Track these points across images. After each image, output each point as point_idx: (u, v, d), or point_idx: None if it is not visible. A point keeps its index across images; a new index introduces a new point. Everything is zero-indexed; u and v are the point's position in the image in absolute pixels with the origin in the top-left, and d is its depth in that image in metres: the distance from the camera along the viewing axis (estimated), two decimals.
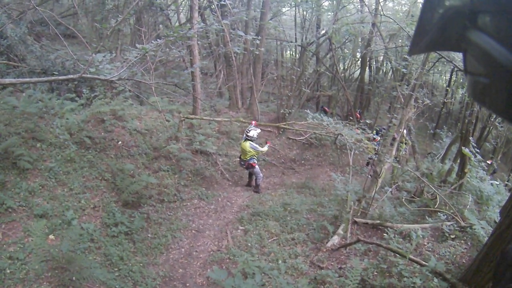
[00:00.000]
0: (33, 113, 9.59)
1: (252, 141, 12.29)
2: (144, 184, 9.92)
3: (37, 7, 10.39)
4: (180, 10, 23.80)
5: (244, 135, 12.52)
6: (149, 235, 9.06)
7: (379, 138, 13.57)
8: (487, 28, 0.81)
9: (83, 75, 7.62)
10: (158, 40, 8.48)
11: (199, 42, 13.52)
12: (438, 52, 9.97)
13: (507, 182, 12.54)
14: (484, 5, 0.84)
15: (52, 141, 9.37)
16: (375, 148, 13.20)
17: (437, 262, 6.80)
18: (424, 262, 6.88)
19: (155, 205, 10.10)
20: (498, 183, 11.35)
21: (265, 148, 12.75)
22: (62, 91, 13.29)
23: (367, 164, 15.43)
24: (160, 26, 22.94)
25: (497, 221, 7.42)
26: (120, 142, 10.98)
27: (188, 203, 11.04)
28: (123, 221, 8.77)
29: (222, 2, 13.53)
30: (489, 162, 12.09)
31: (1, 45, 13.83)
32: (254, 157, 12.40)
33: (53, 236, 7.30)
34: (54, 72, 13.49)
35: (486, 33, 0.81)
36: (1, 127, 8.67)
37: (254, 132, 12.34)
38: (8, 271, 6.15)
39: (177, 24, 20.19)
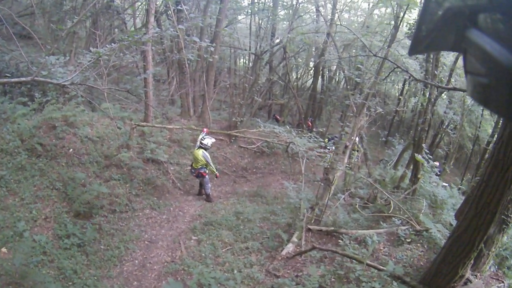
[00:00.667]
0: None
1: (205, 149, 12.19)
2: (95, 194, 9.75)
3: None
4: (137, 15, 23.54)
5: (198, 143, 12.39)
6: (102, 246, 8.85)
7: (332, 148, 13.79)
8: (487, 28, 0.83)
9: (35, 78, 7.36)
10: (112, 44, 8.30)
11: (153, 48, 13.36)
12: (392, 62, 10.29)
13: (460, 186, 12.99)
14: (484, 5, 0.87)
15: (3, 147, 9.09)
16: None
17: (395, 266, 6.91)
18: (381, 267, 6.96)
19: (107, 215, 9.88)
20: (446, 185, 11.81)
21: (214, 168, 12.61)
22: (15, 95, 12.88)
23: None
24: (116, 30, 22.54)
25: (453, 224, 7.67)
26: (71, 150, 10.68)
27: (140, 213, 10.87)
28: (75, 233, 8.55)
29: (179, 8, 13.43)
30: (436, 163, 12.51)
31: None
32: (205, 166, 12.28)
33: (5, 249, 7.02)
34: (7, 74, 12.99)
35: (486, 33, 0.83)
36: None
37: (208, 141, 12.27)
38: None
39: (132, 28, 19.90)
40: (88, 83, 8.84)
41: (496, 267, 7.25)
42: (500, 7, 0.80)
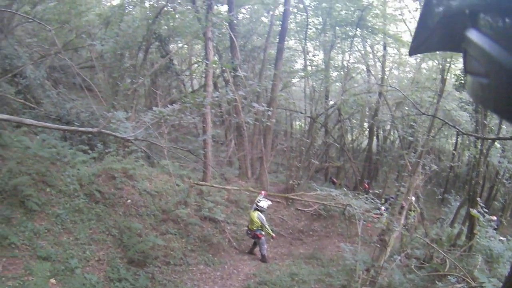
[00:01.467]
0: (45, 158, 9.73)
1: (261, 211, 12.18)
2: (151, 245, 9.86)
3: (59, 54, 10.69)
4: (194, 76, 24.51)
5: (254, 205, 12.46)
6: None
7: (383, 208, 13.49)
8: (487, 28, 0.83)
9: (102, 130, 7.71)
10: (174, 104, 8.64)
11: (212, 110, 13.75)
12: (441, 119, 10.16)
13: None
14: (484, 5, 0.87)
15: (61, 188, 9.43)
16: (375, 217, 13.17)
17: None
18: None
19: (160, 266, 9.91)
20: (504, 238, 11.24)
21: (269, 229, 12.51)
22: (75, 142, 13.48)
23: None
24: (174, 90, 23.45)
25: None
26: (129, 201, 11.00)
27: (194, 268, 10.80)
28: (127, 278, 8.63)
29: (238, 74, 13.86)
30: (493, 218, 12.01)
31: (19, 84, 14.17)
32: (261, 228, 12.18)
33: (54, 280, 7.16)
34: (70, 121, 13.72)
35: (486, 33, 0.83)
36: (13, 164, 8.80)
37: (264, 203, 12.31)
38: None
39: (190, 89, 20.62)
40: (150, 139, 9.17)
41: None
42: (500, 7, 0.81)
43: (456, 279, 8.83)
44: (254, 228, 12.16)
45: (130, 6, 18.57)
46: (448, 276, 9.07)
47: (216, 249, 12.19)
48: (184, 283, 9.86)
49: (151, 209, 11.42)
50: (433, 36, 1.04)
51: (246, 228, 12.70)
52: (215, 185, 14.17)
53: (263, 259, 12.36)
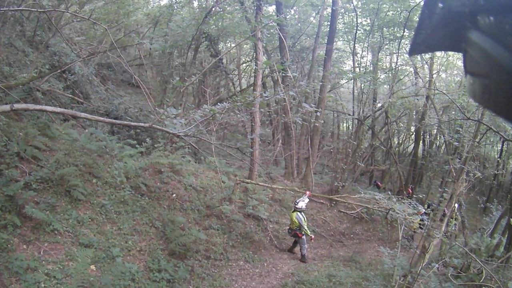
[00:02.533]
0: (93, 150, 10.23)
1: (300, 212, 12.27)
2: (193, 239, 10.11)
3: (107, 52, 11.10)
4: (242, 75, 24.66)
5: (293, 205, 12.57)
6: (190, 287, 9.10)
7: (423, 211, 13.29)
8: (487, 28, 0.83)
9: (153, 125, 8.00)
10: (223, 103, 8.81)
11: (261, 110, 13.89)
12: (486, 124, 9.91)
13: None
14: (484, 5, 0.88)
15: (108, 180, 9.90)
16: (419, 223, 12.96)
17: None
18: None
19: (200, 260, 10.18)
20: None
21: (307, 229, 12.46)
22: (122, 136, 14.01)
23: (410, 238, 15.14)
24: (222, 89, 23.69)
25: None
26: (174, 195, 11.36)
27: (234, 264, 11.03)
28: (167, 269, 8.91)
29: (287, 74, 13.96)
30: None
31: (68, 79, 14.73)
32: (299, 228, 12.31)
33: (94, 267, 7.52)
34: (119, 116, 14.37)
35: (486, 33, 0.83)
36: (60, 155, 9.25)
37: (302, 204, 12.39)
38: (43, 285, 6.36)
39: (238, 88, 20.76)
40: (199, 136, 9.43)
41: None
42: (500, 7, 0.82)
43: None
44: (294, 228, 12.29)
45: (178, 6, 19.04)
46: (483, 287, 9.00)
47: (257, 247, 12.39)
48: (223, 277, 10.08)
49: (196, 204, 11.75)
50: (433, 35, 1.04)
51: (288, 227, 12.84)
52: (260, 184, 14.34)
53: (303, 259, 12.45)
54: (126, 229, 9.15)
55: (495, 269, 9.99)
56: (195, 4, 18.36)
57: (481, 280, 9.46)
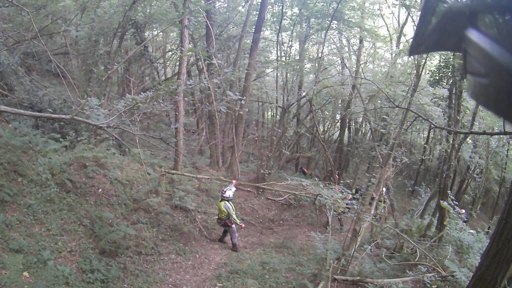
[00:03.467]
0: (17, 146, 9.55)
1: (227, 201, 12.20)
2: (122, 234, 9.80)
3: (32, 40, 10.42)
4: (168, 64, 24.20)
5: (221, 194, 12.49)
6: (125, 285, 8.77)
7: (350, 196, 13.70)
8: (487, 28, 0.83)
9: (75, 117, 7.56)
10: (147, 92, 8.51)
11: (185, 98, 13.63)
12: (414, 112, 10.33)
13: (487, 230, 12.77)
14: (484, 5, 0.87)
15: (33, 178, 9.30)
16: (347, 207, 13.35)
17: None
18: None
19: (132, 256, 9.87)
20: (473, 231, 11.55)
21: (236, 218, 12.43)
22: (47, 130, 13.24)
23: (338, 222, 15.77)
24: (147, 78, 23.16)
25: None
26: (100, 190, 10.91)
27: (166, 257, 10.80)
28: (99, 269, 8.54)
29: (212, 62, 13.76)
30: (462, 211, 12.38)
31: None
32: (228, 217, 12.24)
33: (27, 273, 7.03)
34: (43, 109, 13.43)
35: (486, 33, 0.82)
36: None
37: (229, 192, 12.33)
38: None
39: (163, 77, 20.34)
40: (122, 127, 9.05)
41: None
42: (499, 8, 0.81)
43: (427, 269, 9.09)
44: (224, 217, 12.21)
45: None
46: (419, 266, 9.34)
47: (187, 238, 12.21)
48: (156, 272, 9.84)
49: (122, 198, 11.35)
50: (433, 36, 1.04)
51: (217, 217, 12.74)
52: (186, 174, 14.16)
53: (234, 247, 12.43)
54: (54, 230, 8.64)
55: (428, 248, 10.39)
56: None
57: (416, 259, 9.82)
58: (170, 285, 9.57)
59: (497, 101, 0.83)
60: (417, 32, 1.08)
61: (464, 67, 0.96)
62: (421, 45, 1.11)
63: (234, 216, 12.22)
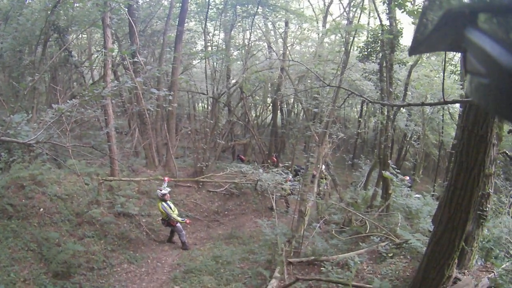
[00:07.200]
0: None
1: (164, 201, 12.10)
2: (71, 253, 9.55)
3: None
4: (94, 67, 23.37)
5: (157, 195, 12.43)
6: None
7: (290, 177, 13.93)
8: (487, 28, 0.83)
9: (1, 138, 7.21)
10: (73, 99, 8.22)
11: (113, 101, 13.26)
12: (346, 89, 10.58)
13: (433, 193, 13.34)
14: (484, 5, 0.89)
15: None
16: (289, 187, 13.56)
17: (381, 282, 6.97)
18: (368, 285, 7.02)
19: (85, 273, 9.63)
20: (419, 196, 11.98)
21: (177, 217, 12.25)
22: None
23: (286, 202, 15.91)
24: (75, 83, 22.31)
25: (431, 230, 7.77)
26: (41, 209, 10.49)
27: (119, 268, 10.58)
28: None
29: (136, 60, 13.46)
30: (406, 177, 12.88)
31: None
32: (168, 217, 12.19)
33: None
34: None
35: (486, 33, 0.83)
36: None
37: (158, 192, 12.33)
38: None
39: (91, 81, 19.64)
40: (52, 140, 8.70)
41: (483, 260, 7.43)
42: (499, 7, 0.81)
43: (380, 238, 9.34)
44: (166, 218, 12.15)
45: None
46: (371, 237, 9.58)
47: (136, 245, 12.03)
48: (112, 286, 9.69)
49: (65, 214, 10.95)
50: (433, 35, 1.03)
51: (161, 218, 12.61)
52: (123, 179, 13.96)
53: (184, 246, 12.36)
54: (4, 261, 8.24)
55: (377, 218, 10.74)
56: None
57: (367, 231, 10.09)
58: None
59: (497, 101, 0.82)
60: (417, 32, 1.09)
61: (464, 67, 0.97)
62: (421, 45, 1.12)
63: (174, 216, 12.10)
